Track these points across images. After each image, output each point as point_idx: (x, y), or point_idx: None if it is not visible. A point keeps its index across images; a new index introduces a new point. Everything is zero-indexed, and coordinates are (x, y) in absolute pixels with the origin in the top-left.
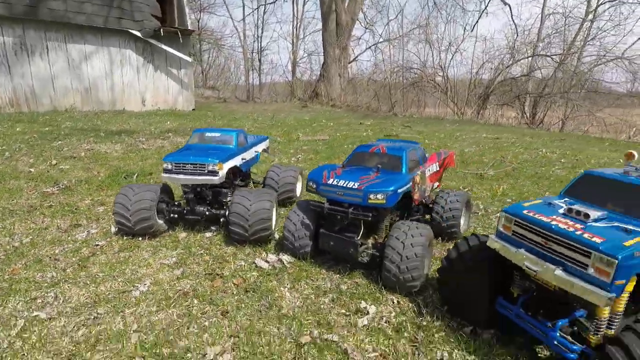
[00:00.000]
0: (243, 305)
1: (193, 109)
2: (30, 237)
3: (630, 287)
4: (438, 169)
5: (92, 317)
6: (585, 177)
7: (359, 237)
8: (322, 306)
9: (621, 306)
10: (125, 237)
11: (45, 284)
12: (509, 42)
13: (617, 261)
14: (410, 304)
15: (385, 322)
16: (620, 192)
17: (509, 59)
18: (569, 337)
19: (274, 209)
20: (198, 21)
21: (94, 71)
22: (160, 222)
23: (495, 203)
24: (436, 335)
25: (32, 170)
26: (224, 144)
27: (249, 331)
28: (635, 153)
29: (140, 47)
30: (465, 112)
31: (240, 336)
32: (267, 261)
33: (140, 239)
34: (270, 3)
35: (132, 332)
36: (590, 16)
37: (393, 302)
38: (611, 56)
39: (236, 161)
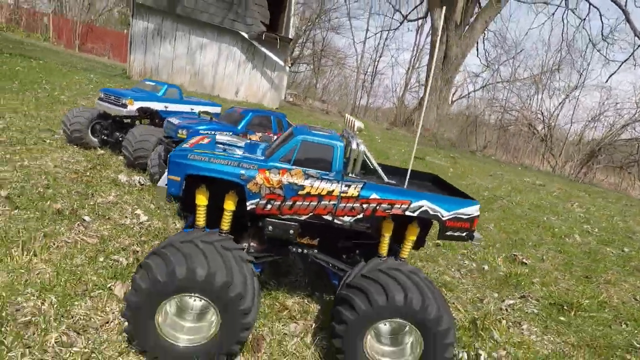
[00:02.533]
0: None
1: (276, 108)
2: None
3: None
4: None
5: None
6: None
7: None
8: None
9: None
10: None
11: None
12: (637, 97)
13: (169, 156)
14: None
15: None
16: (284, 136)
17: (636, 115)
18: None
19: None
20: (323, 39)
21: (205, 60)
22: (94, 139)
23: None
24: None
25: None
26: (152, 90)
27: None
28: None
29: (245, 46)
30: (563, 168)
31: None
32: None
33: (75, 146)
34: (392, 30)
35: None
36: None
37: None
38: None
39: (153, 105)
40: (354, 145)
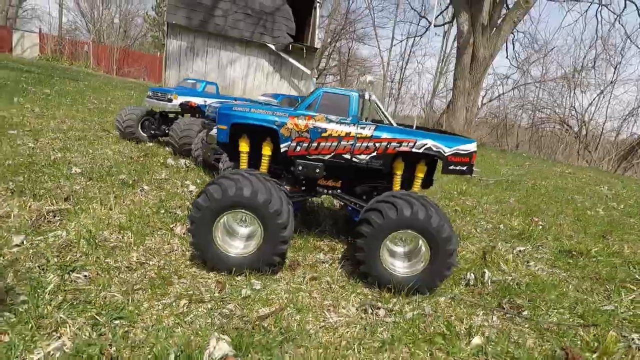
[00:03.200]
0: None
1: None
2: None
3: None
4: None
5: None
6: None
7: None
8: None
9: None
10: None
11: None
12: None
13: (216, 109)
14: None
15: None
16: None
17: None
18: None
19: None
20: (349, 49)
21: (234, 73)
22: (143, 133)
23: None
24: None
25: None
26: (192, 87)
27: None
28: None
29: (272, 58)
30: (600, 164)
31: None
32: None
33: (128, 140)
34: (418, 36)
35: None
36: None
37: None
38: None
39: (195, 99)
40: (366, 96)
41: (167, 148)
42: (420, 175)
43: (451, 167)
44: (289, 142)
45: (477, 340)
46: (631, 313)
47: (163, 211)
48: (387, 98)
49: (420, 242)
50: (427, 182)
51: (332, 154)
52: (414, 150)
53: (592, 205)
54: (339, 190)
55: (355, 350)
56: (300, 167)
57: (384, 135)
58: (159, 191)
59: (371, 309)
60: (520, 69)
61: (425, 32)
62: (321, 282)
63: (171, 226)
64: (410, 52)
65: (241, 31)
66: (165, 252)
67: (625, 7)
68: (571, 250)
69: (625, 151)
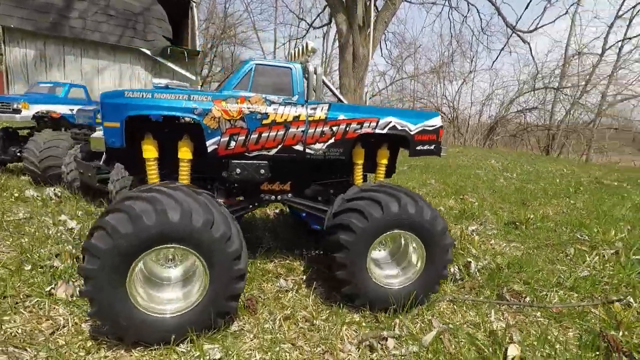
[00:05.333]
0: None
1: None
2: None
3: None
4: None
5: None
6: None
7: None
8: None
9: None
10: None
11: None
12: (518, 75)
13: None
14: None
15: None
16: None
17: (520, 91)
18: None
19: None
20: (232, 54)
21: (104, 84)
22: None
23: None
24: None
25: None
26: (51, 92)
27: None
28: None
29: (149, 64)
30: (470, 143)
31: None
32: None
33: None
34: (299, 38)
35: None
36: (610, 54)
37: None
38: (632, 94)
39: (57, 108)
40: (311, 68)
41: (23, 176)
42: (384, 162)
43: (419, 148)
44: (218, 137)
45: (512, 350)
46: (604, 274)
47: (29, 267)
48: None
49: (405, 239)
50: (390, 170)
51: (279, 146)
52: (377, 131)
53: (494, 178)
54: (289, 195)
55: None
56: (237, 170)
57: (341, 115)
58: (17, 238)
59: (376, 342)
60: (395, 65)
61: (306, 34)
62: (297, 320)
63: (48, 288)
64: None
65: (104, 34)
66: (45, 336)
67: (469, 10)
68: (513, 221)
69: (487, 130)
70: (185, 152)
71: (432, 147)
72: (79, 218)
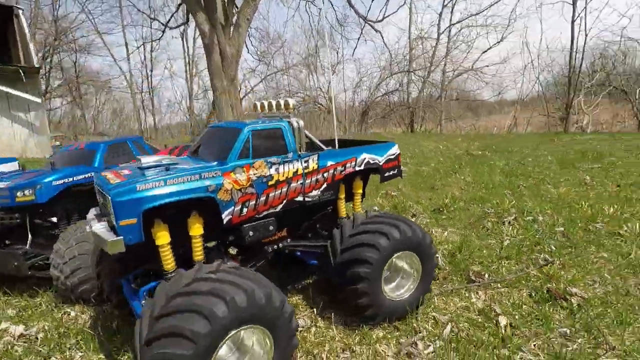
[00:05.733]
0: None
1: (47, 156)
2: None
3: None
4: None
5: None
6: (207, 129)
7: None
8: None
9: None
10: None
11: None
12: (378, 62)
13: (109, 197)
14: None
15: None
16: (209, 138)
17: (381, 77)
18: None
19: None
20: (75, 63)
21: None
22: None
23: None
24: None
25: None
26: None
27: None
28: (258, 104)
29: None
30: (349, 129)
31: None
32: None
33: None
34: (156, 40)
35: None
36: (444, 37)
37: None
38: (464, 69)
39: None
40: (295, 124)
41: None
42: (359, 191)
43: (386, 175)
44: (232, 207)
45: (502, 320)
46: (519, 239)
47: None
48: (142, 111)
49: (406, 256)
50: (362, 196)
51: (284, 202)
52: (357, 168)
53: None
54: (288, 240)
55: None
56: (250, 233)
57: (329, 162)
58: None
59: (411, 347)
60: (263, 61)
61: (162, 35)
62: (336, 352)
63: None
64: (152, 57)
65: None
66: None
67: (324, 3)
68: (436, 208)
69: (361, 115)
70: (197, 229)
71: (396, 171)
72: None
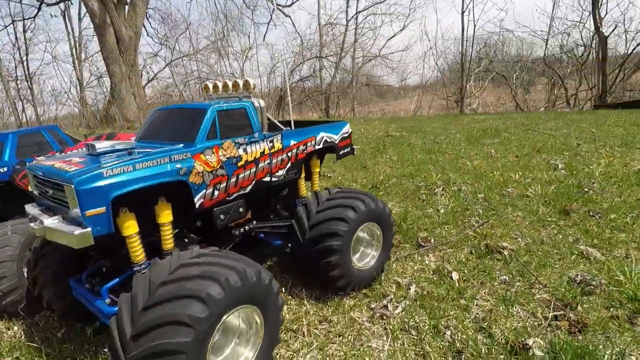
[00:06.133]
0: None
1: None
2: None
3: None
4: None
5: None
6: (154, 113)
7: None
8: None
9: (165, 240)
10: None
11: None
12: (292, 48)
13: (72, 185)
14: None
15: None
16: (163, 120)
17: (295, 62)
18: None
19: None
20: None
21: None
22: None
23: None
24: None
25: None
26: None
27: None
28: (210, 85)
29: None
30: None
31: None
32: None
33: None
34: (30, 18)
35: None
36: (352, 24)
37: None
38: (371, 55)
39: None
40: (256, 104)
41: None
42: (317, 170)
43: (342, 152)
44: (204, 190)
45: (455, 275)
46: (452, 206)
47: None
48: (19, 102)
49: (369, 228)
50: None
51: (253, 182)
52: (316, 147)
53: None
54: (253, 222)
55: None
56: (222, 216)
57: (292, 141)
58: None
59: (383, 310)
60: (165, 45)
61: (38, 12)
62: (315, 325)
63: None
64: (26, 38)
65: None
66: None
67: None
68: (372, 185)
69: (277, 101)
70: (166, 216)
71: (349, 149)
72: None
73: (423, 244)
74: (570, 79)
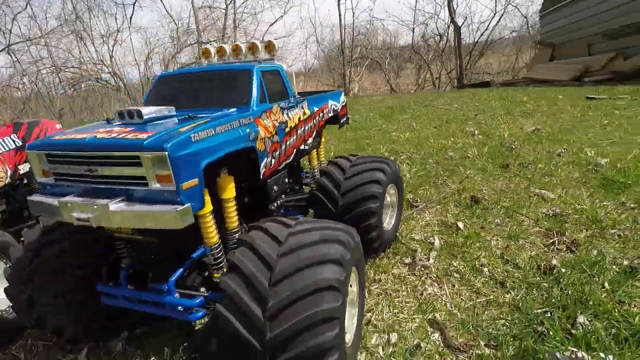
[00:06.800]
0: None
1: None
2: None
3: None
4: (22, 143)
5: None
6: (159, 79)
7: None
8: None
9: (230, 218)
10: None
11: None
12: (169, 32)
13: (166, 152)
14: None
15: None
16: (191, 85)
17: (174, 48)
18: (189, 291)
19: None
20: None
21: None
22: None
23: None
24: None
25: None
26: None
27: None
28: (211, 49)
29: None
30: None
31: None
32: None
33: None
34: None
35: None
36: (231, 8)
37: None
38: (254, 41)
39: None
40: (285, 66)
41: None
42: (323, 140)
43: (342, 121)
44: (266, 158)
45: (460, 224)
46: (428, 171)
47: None
48: None
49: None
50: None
51: (294, 150)
52: (329, 114)
53: None
54: (283, 197)
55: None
56: (275, 187)
57: (315, 108)
58: None
59: (421, 260)
60: None
61: None
62: (367, 285)
63: None
64: None
65: None
66: None
67: None
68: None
69: None
70: (230, 190)
71: (346, 119)
72: None
73: (414, 204)
74: (432, 64)
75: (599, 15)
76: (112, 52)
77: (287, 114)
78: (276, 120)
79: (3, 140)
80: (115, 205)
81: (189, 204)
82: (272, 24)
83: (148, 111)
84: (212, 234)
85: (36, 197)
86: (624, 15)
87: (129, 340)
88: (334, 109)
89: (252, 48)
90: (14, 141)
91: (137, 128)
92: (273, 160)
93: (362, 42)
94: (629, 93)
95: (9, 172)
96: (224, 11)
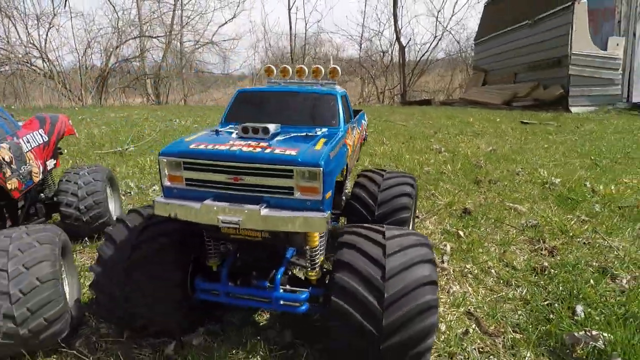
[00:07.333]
0: None
1: None
2: None
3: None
4: (48, 139)
5: None
6: (239, 95)
7: None
8: None
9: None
10: None
11: None
12: (112, 22)
13: (321, 168)
14: None
15: None
16: (277, 103)
17: (117, 39)
18: (293, 288)
19: None
20: None
21: None
22: None
23: (147, 177)
24: None
25: None
26: None
27: None
28: (274, 68)
29: None
30: (85, 100)
31: None
32: None
33: None
34: None
35: None
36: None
37: None
38: (204, 41)
39: None
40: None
41: None
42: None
43: (365, 140)
44: (349, 174)
45: (461, 233)
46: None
47: None
48: None
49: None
50: None
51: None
52: (364, 134)
53: None
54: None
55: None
56: (343, 199)
57: (359, 126)
58: None
59: (439, 264)
60: None
61: None
62: None
63: None
64: None
65: None
66: None
67: None
68: None
69: (99, 84)
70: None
71: (366, 136)
72: None
73: (416, 215)
74: (377, 79)
75: (522, 49)
76: (47, 35)
77: (353, 132)
78: (351, 139)
79: (33, 135)
80: (265, 210)
81: (329, 211)
82: (222, 25)
83: (272, 127)
84: (315, 238)
85: (163, 200)
86: (541, 51)
87: (207, 334)
88: (365, 128)
89: (316, 72)
90: (41, 136)
91: (273, 143)
92: (349, 175)
93: (309, 52)
94: (552, 119)
95: (41, 168)
96: (171, 7)
